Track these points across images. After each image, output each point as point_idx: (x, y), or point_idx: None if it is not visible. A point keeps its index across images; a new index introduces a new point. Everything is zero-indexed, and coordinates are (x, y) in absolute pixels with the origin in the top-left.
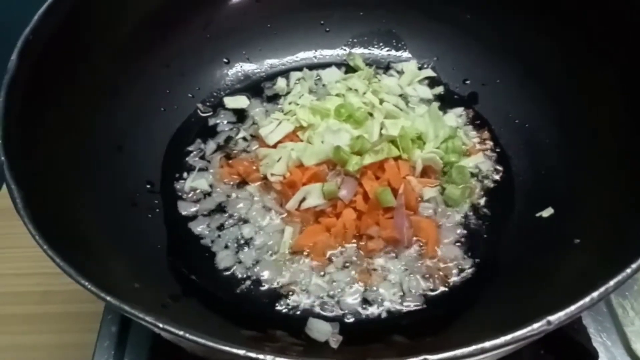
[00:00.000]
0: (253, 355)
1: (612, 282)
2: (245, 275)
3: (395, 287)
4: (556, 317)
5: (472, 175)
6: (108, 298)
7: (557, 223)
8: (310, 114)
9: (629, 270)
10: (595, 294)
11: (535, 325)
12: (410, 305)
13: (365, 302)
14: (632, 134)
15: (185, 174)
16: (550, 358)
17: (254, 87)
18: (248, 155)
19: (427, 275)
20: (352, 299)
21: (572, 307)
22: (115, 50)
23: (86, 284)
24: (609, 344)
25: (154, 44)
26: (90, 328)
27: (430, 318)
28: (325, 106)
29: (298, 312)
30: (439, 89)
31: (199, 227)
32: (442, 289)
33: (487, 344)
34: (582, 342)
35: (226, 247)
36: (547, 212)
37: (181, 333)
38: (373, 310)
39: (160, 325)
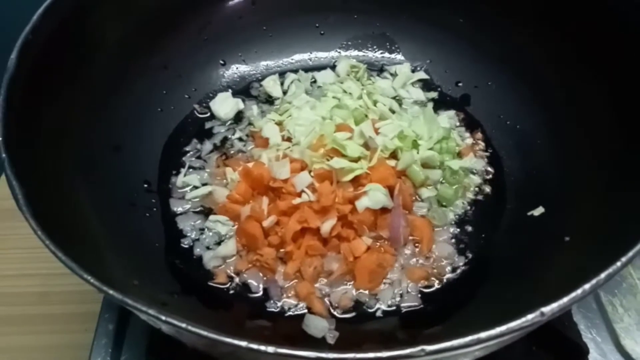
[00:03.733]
0: (255, 346)
1: (603, 275)
2: (234, 278)
3: (395, 285)
4: (549, 309)
5: (465, 175)
6: (111, 292)
7: (548, 222)
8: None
9: (619, 264)
10: (587, 286)
11: (529, 317)
12: (407, 302)
13: (362, 299)
14: (621, 136)
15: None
16: (541, 354)
17: (250, 89)
18: (244, 156)
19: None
20: (348, 296)
21: (565, 299)
22: (114, 51)
23: (89, 278)
24: (599, 340)
25: (152, 45)
26: (88, 328)
27: (427, 314)
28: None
29: (295, 311)
30: (432, 92)
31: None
32: (437, 286)
33: (483, 335)
34: (573, 338)
35: (208, 248)
36: (538, 211)
37: (183, 325)
38: (370, 308)
39: (163, 318)
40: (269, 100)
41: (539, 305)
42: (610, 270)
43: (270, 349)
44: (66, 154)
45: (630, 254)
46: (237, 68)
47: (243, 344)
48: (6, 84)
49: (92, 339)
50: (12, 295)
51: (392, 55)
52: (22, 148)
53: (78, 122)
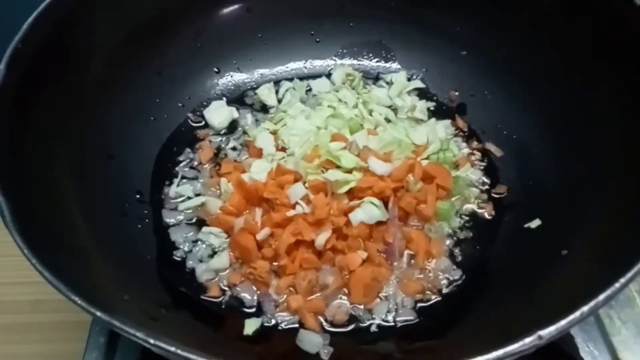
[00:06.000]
0: None
1: (601, 297)
2: (227, 291)
3: (390, 299)
4: (547, 332)
5: (466, 187)
6: (98, 313)
7: (545, 234)
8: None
9: (617, 285)
10: (585, 309)
11: (527, 340)
12: (402, 316)
13: (357, 313)
14: (621, 148)
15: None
16: None
17: (244, 97)
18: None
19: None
20: (343, 311)
21: (563, 322)
22: (106, 59)
23: (76, 299)
24: (597, 354)
25: (145, 52)
26: (80, 337)
27: (422, 329)
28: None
29: (288, 325)
30: (429, 101)
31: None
32: (432, 300)
33: (480, 359)
34: (569, 351)
35: (201, 261)
36: (535, 224)
37: (172, 349)
38: (365, 322)
39: (151, 342)
40: (264, 108)
41: (535, 324)
42: (609, 292)
43: None
44: (56, 165)
45: (630, 274)
46: (231, 76)
47: None
48: None
49: (83, 352)
50: (3, 304)
51: (388, 64)
52: (9, 160)
53: (69, 131)
